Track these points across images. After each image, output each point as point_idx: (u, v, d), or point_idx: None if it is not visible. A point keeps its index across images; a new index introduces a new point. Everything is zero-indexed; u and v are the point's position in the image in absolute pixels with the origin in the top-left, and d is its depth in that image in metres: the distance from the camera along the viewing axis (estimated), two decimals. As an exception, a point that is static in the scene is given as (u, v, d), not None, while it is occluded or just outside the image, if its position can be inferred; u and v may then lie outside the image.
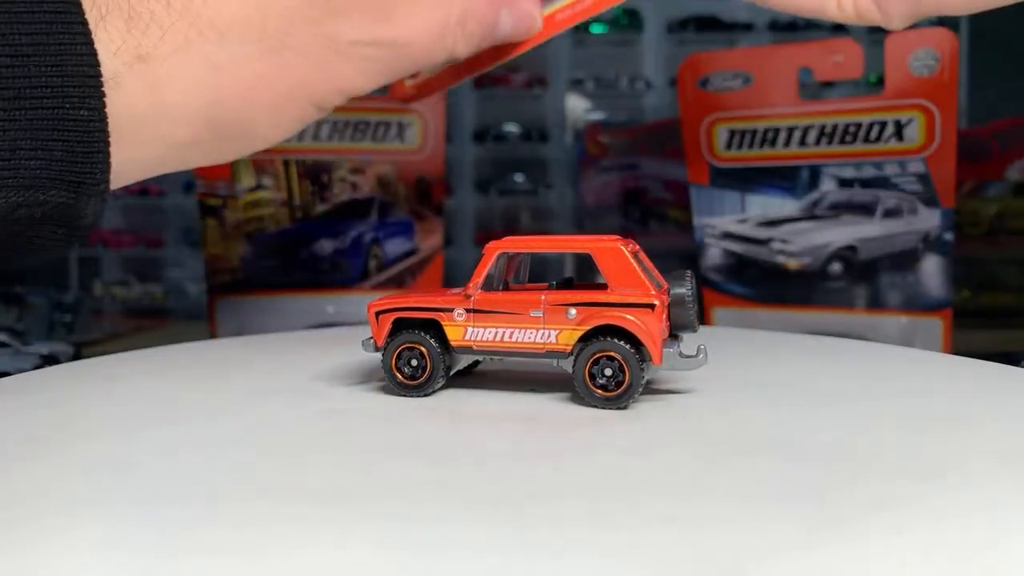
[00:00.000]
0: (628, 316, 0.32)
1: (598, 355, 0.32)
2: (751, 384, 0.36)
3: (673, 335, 0.35)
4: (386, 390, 0.35)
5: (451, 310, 0.34)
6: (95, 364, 0.42)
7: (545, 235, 0.33)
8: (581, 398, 0.33)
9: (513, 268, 0.37)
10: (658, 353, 0.32)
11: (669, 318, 0.34)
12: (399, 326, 0.35)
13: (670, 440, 0.28)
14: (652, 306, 0.32)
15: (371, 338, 0.36)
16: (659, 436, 0.29)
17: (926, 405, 0.32)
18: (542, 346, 0.33)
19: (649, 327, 0.32)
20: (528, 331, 0.33)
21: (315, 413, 0.32)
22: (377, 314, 0.36)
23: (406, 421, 0.31)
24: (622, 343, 0.32)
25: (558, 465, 0.25)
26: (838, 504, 0.21)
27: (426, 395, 0.35)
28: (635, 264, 0.33)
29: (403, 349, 0.35)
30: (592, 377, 0.32)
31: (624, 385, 0.32)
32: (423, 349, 0.34)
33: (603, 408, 0.32)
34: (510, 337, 0.34)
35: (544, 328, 0.33)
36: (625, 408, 0.32)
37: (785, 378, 0.38)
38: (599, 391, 0.32)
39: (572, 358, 0.33)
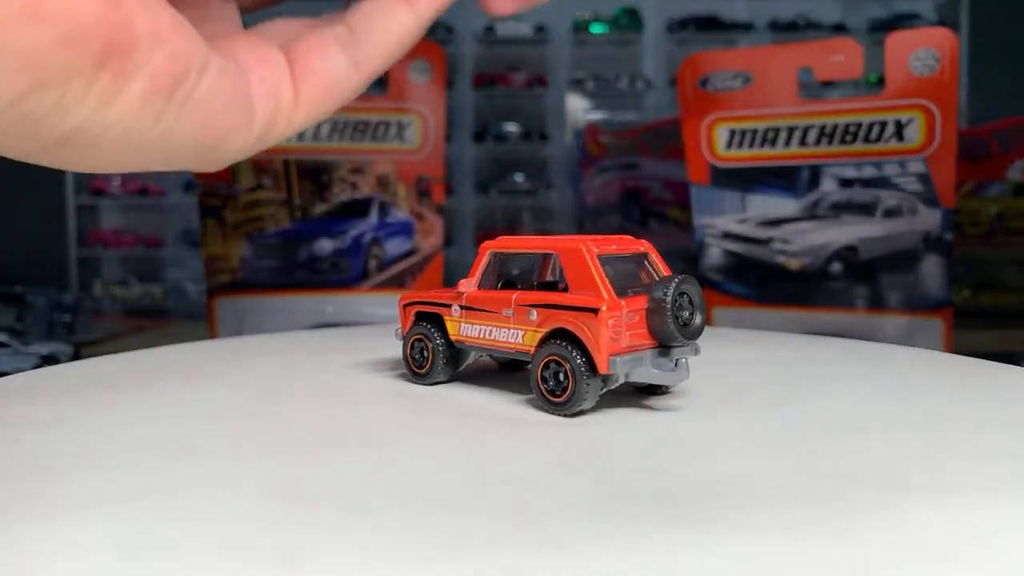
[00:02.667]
0: (575, 320, 0.30)
1: (548, 359, 0.31)
2: (739, 390, 0.35)
3: (665, 345, 0.31)
4: (404, 376, 0.37)
5: (450, 306, 0.35)
6: (94, 364, 0.42)
7: (536, 236, 0.33)
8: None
9: (547, 268, 0.36)
10: (603, 361, 0.29)
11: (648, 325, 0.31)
12: (418, 319, 0.37)
13: (555, 453, 0.26)
14: (596, 311, 0.30)
15: (399, 328, 0.38)
16: (554, 447, 0.27)
17: (910, 410, 0.32)
18: (513, 345, 0.33)
19: (595, 333, 0.30)
20: (502, 330, 0.33)
21: (284, 398, 0.33)
22: (404, 306, 0.38)
23: (362, 404, 0.32)
24: (569, 348, 0.30)
25: (396, 458, 0.25)
26: (585, 533, 0.19)
27: (432, 384, 0.35)
28: (593, 266, 0.31)
29: (415, 340, 0.36)
30: (545, 381, 0.31)
31: (568, 392, 0.30)
32: (428, 342, 0.35)
33: (552, 413, 0.31)
34: (490, 335, 0.34)
35: (514, 328, 0.33)
36: (572, 416, 0.30)
37: (775, 383, 0.36)
38: (548, 396, 0.31)
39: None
